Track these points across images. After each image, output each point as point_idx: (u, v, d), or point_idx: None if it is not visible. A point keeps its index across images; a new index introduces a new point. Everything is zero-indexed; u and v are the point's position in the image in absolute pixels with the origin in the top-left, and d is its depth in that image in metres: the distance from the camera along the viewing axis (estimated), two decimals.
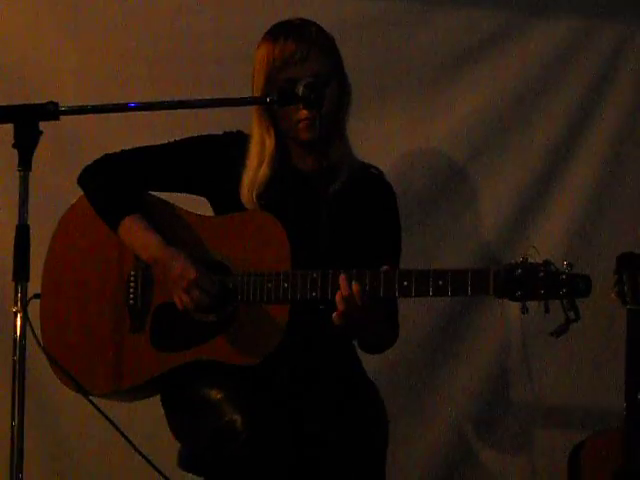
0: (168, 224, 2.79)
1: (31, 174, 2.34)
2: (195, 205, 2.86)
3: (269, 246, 2.68)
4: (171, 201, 2.85)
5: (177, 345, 2.71)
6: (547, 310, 2.44)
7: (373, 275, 2.55)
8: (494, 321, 3.54)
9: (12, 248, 2.34)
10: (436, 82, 3.59)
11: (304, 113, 2.70)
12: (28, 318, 2.35)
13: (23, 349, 2.32)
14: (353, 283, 2.54)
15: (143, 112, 2.83)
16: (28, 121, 2.32)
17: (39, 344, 2.70)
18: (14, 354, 2.31)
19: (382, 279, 2.55)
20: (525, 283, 2.43)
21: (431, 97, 3.58)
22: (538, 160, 3.57)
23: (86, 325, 2.80)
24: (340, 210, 2.78)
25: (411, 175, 3.54)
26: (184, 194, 2.88)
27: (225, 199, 2.82)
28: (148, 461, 2.69)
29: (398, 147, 3.56)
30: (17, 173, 2.34)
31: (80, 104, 2.54)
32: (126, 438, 2.70)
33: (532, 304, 2.45)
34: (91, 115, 2.81)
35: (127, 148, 2.87)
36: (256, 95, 2.77)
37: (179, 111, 2.86)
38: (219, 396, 2.66)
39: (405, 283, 2.53)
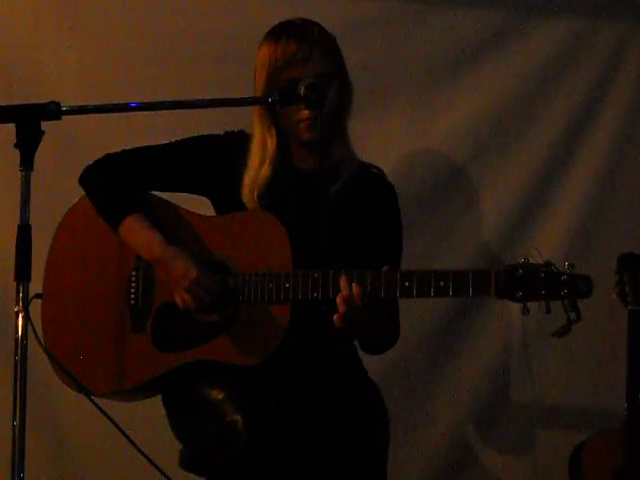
0: (169, 224, 2.79)
1: (32, 174, 2.34)
2: (196, 205, 2.86)
3: (270, 246, 2.67)
4: (172, 201, 2.85)
5: (178, 345, 2.71)
6: (548, 311, 2.44)
7: (374, 275, 2.55)
8: (495, 322, 3.54)
9: (14, 248, 2.34)
10: (436, 82, 3.59)
11: (305, 113, 2.70)
12: (30, 318, 2.36)
13: (25, 349, 2.32)
14: (354, 285, 2.54)
15: (144, 112, 2.82)
16: (30, 121, 2.32)
17: (40, 344, 2.69)
18: (16, 354, 2.32)
19: (383, 280, 2.55)
20: (526, 284, 2.43)
21: (431, 97, 3.58)
22: (539, 160, 3.57)
23: (87, 325, 2.80)
24: (341, 210, 2.78)
25: (412, 175, 3.54)
26: (185, 194, 2.88)
27: (226, 199, 2.82)
28: (150, 461, 2.69)
29: (399, 147, 3.56)
30: (19, 173, 2.33)
31: (81, 104, 2.54)
32: (128, 438, 2.69)
33: (533, 305, 2.45)
34: (92, 115, 2.81)
35: (128, 148, 2.87)
36: (257, 95, 2.77)
37: (180, 111, 2.86)
38: (220, 396, 2.66)
39: (406, 284, 2.53)
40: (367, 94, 3.33)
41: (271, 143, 2.78)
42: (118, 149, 2.87)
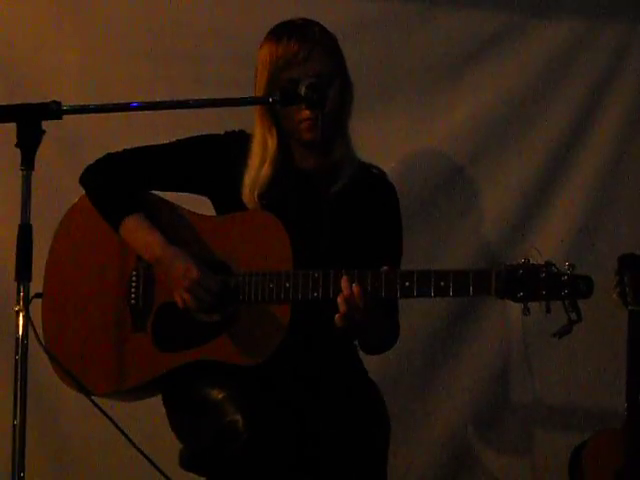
0: (170, 224, 2.79)
1: (33, 173, 2.34)
2: (197, 205, 2.86)
3: (271, 246, 2.67)
4: (173, 201, 2.85)
5: (179, 345, 2.71)
6: (548, 311, 2.44)
7: (375, 276, 2.55)
8: (495, 322, 3.54)
9: (14, 247, 2.34)
10: (437, 83, 3.59)
11: (307, 113, 2.70)
12: (30, 317, 2.35)
13: (25, 349, 2.32)
14: (354, 285, 2.54)
15: (145, 112, 2.82)
16: (31, 120, 2.32)
17: (41, 344, 2.69)
18: (16, 353, 2.32)
19: (384, 280, 2.55)
20: (527, 284, 2.43)
21: (432, 98, 3.58)
22: (540, 161, 3.57)
23: (88, 325, 2.80)
24: (342, 210, 2.78)
25: (412, 176, 3.54)
26: (186, 194, 2.88)
27: (227, 199, 2.82)
28: (150, 461, 2.69)
29: (399, 148, 3.56)
30: (19, 172, 2.33)
31: (82, 103, 2.54)
32: (128, 438, 2.69)
33: (533, 305, 2.45)
34: (93, 114, 2.81)
35: (129, 147, 2.87)
36: (258, 95, 2.77)
37: (181, 111, 2.86)
38: (221, 396, 2.65)
39: (407, 284, 2.53)
40: (368, 94, 3.33)
41: (272, 143, 2.78)
42: (119, 149, 2.86)
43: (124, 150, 2.87)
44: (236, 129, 2.88)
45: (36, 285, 2.58)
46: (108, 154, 2.86)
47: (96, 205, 2.82)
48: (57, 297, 2.84)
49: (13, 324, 2.34)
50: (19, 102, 2.40)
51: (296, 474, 2.63)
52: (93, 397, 2.72)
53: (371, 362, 2.91)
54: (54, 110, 2.35)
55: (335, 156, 2.81)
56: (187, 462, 2.79)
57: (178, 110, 2.80)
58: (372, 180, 2.89)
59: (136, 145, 2.87)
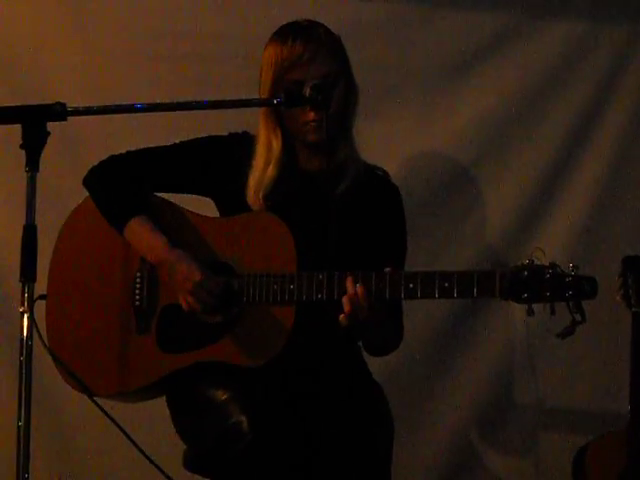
0: (174, 225, 2.79)
1: (37, 175, 2.34)
2: (200, 206, 2.86)
3: (275, 247, 2.67)
4: (176, 202, 2.85)
5: (183, 346, 2.71)
6: (553, 312, 2.44)
7: (379, 277, 2.55)
8: (499, 323, 3.54)
9: (19, 248, 2.34)
10: (440, 84, 3.59)
11: (311, 115, 2.70)
12: (34, 318, 2.35)
13: (30, 350, 2.32)
14: (358, 285, 2.54)
15: (149, 113, 2.82)
16: (36, 122, 2.32)
17: (45, 345, 2.70)
18: (21, 354, 2.31)
19: (388, 281, 2.55)
20: (531, 285, 2.44)
21: (436, 99, 3.58)
22: (543, 162, 3.57)
23: (92, 326, 2.80)
24: (346, 211, 2.78)
25: (415, 177, 3.54)
26: (189, 195, 2.88)
27: (231, 200, 2.82)
28: (153, 462, 2.70)
29: (402, 149, 3.56)
30: (24, 173, 2.33)
31: (85, 105, 2.53)
32: (131, 439, 2.70)
33: (537, 306, 2.46)
34: (97, 116, 2.81)
35: (133, 149, 2.87)
36: (263, 96, 2.77)
37: (185, 112, 2.85)
38: (225, 397, 2.65)
39: (411, 285, 2.53)
40: (370, 96, 3.31)
41: (276, 144, 2.78)
42: (123, 150, 2.86)
43: (127, 152, 2.87)
44: (240, 130, 2.88)
45: (40, 287, 2.57)
46: (111, 156, 2.86)
47: (100, 207, 2.82)
48: (61, 298, 2.84)
49: (17, 325, 2.33)
50: (22, 102, 2.40)
51: (300, 475, 2.63)
52: (96, 398, 2.73)
53: (375, 363, 2.91)
54: (59, 111, 2.35)
55: (339, 157, 2.81)
56: (191, 463, 2.79)
57: (182, 112, 2.80)
58: (376, 181, 2.89)
59: (140, 147, 2.87)
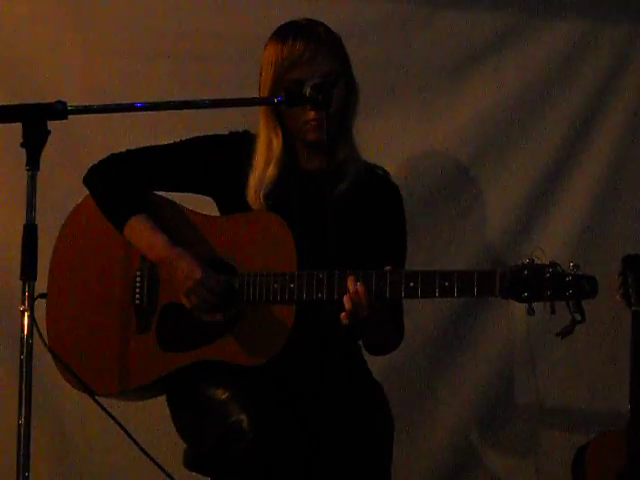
0: (174, 224, 2.79)
1: (38, 173, 2.34)
2: (201, 205, 2.86)
3: (275, 246, 2.67)
4: (177, 201, 2.85)
5: (183, 345, 2.71)
6: (553, 311, 2.44)
7: (379, 276, 2.55)
8: (499, 322, 3.54)
9: (19, 247, 2.34)
10: (440, 84, 3.59)
11: (312, 114, 2.70)
12: (34, 318, 2.36)
13: (30, 348, 2.32)
14: (358, 284, 2.54)
15: (149, 112, 2.81)
16: (36, 120, 2.31)
17: (45, 344, 2.70)
18: (21, 353, 2.31)
19: (388, 280, 2.55)
20: (531, 284, 2.43)
21: (436, 98, 3.58)
22: (543, 161, 3.57)
23: (92, 325, 2.80)
24: (346, 210, 2.78)
25: (416, 176, 3.54)
26: (190, 194, 2.88)
27: (231, 199, 2.82)
28: (153, 461, 2.69)
29: (402, 149, 3.56)
30: (24, 172, 2.33)
31: (85, 103, 2.53)
32: (131, 438, 2.70)
33: (537, 305, 2.45)
34: (97, 114, 2.81)
35: (133, 148, 2.87)
36: (263, 95, 2.77)
37: (185, 111, 2.85)
38: (225, 396, 2.65)
39: (411, 284, 2.53)
40: (372, 95, 3.32)
41: (277, 143, 2.78)
42: (123, 149, 2.87)
43: (128, 150, 2.87)
44: (240, 129, 2.88)
45: (40, 285, 2.57)
46: (112, 155, 2.86)
47: (100, 206, 2.82)
48: (61, 297, 2.84)
49: (18, 324, 2.33)
50: (22, 101, 2.40)
51: (300, 474, 2.62)
52: (97, 397, 2.73)
53: (375, 363, 2.91)
54: (60, 110, 2.35)
55: (340, 157, 2.81)
56: (191, 462, 2.80)
57: (182, 110, 2.80)
58: (376, 181, 2.90)
59: (140, 145, 2.87)
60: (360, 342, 2.85)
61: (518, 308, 2.56)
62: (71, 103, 2.39)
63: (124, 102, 2.67)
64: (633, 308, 3.02)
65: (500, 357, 3.57)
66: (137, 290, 2.78)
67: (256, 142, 2.81)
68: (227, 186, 2.83)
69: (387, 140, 3.52)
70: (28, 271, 2.32)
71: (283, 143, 2.79)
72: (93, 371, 2.77)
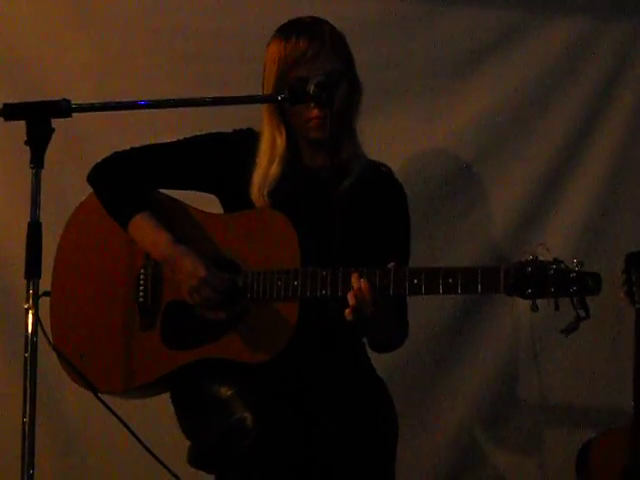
0: (178, 222, 2.79)
1: (42, 171, 2.34)
2: (205, 203, 2.86)
3: (279, 244, 2.67)
4: (181, 199, 2.85)
5: (187, 343, 2.71)
6: (557, 308, 2.44)
7: (383, 273, 2.55)
8: (503, 319, 3.54)
9: (24, 245, 2.34)
10: (441, 83, 3.59)
11: (315, 112, 2.71)
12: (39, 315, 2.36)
13: (34, 346, 2.32)
14: (362, 280, 2.54)
15: (153, 110, 2.82)
16: (40, 118, 2.31)
17: (49, 342, 2.70)
18: (25, 351, 2.31)
19: (392, 277, 2.55)
20: (535, 281, 2.43)
21: (438, 97, 3.58)
22: (546, 159, 3.57)
23: (96, 323, 2.80)
24: (350, 208, 2.77)
25: (419, 173, 3.54)
26: (193, 192, 2.88)
27: (235, 197, 2.82)
28: (157, 459, 2.70)
29: (404, 147, 3.56)
30: (28, 170, 2.33)
31: (89, 101, 2.53)
32: (135, 436, 2.70)
33: (541, 302, 2.45)
34: (101, 112, 2.81)
35: (136, 146, 2.87)
36: (267, 93, 2.77)
37: (189, 109, 2.85)
38: (229, 393, 2.65)
39: (415, 281, 2.53)
40: (374, 93, 3.31)
41: (280, 141, 2.78)
42: (126, 147, 2.87)
43: (131, 148, 2.87)
44: (244, 127, 2.88)
45: (45, 283, 2.57)
46: (115, 152, 2.86)
47: (104, 203, 2.82)
48: (65, 295, 2.84)
49: (22, 322, 2.33)
50: (26, 99, 2.40)
51: (304, 471, 2.63)
52: (101, 395, 2.73)
53: (379, 360, 2.91)
54: (64, 108, 2.34)
55: (343, 154, 2.81)
56: (195, 460, 2.79)
57: (186, 108, 2.79)
58: (380, 178, 2.90)
59: (144, 143, 2.87)
60: (364, 340, 2.85)
61: (522, 305, 2.55)
62: (75, 101, 2.39)
63: (128, 100, 2.67)
64: (637, 306, 3.02)
65: (504, 354, 3.57)
66: (141, 288, 2.78)
67: (260, 140, 2.81)
68: (231, 184, 2.83)
69: (388, 139, 3.52)
70: (32, 269, 2.31)
71: (287, 141, 2.78)
72: (97, 369, 2.77)
